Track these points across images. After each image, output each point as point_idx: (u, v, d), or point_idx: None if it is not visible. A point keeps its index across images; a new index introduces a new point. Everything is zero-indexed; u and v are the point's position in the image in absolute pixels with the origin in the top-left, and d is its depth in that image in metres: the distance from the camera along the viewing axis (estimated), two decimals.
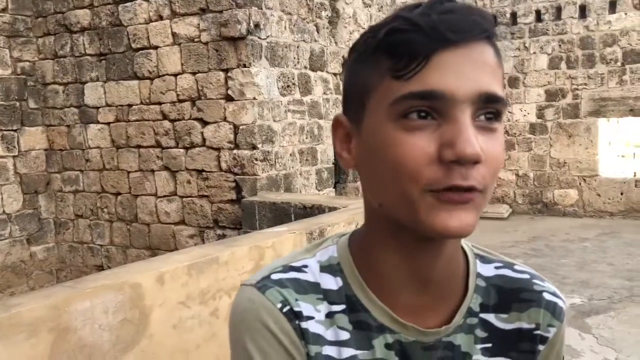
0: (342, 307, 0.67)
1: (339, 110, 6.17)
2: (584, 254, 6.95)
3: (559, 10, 9.14)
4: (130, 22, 5.90)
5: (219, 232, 5.63)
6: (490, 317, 0.70)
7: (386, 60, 0.59)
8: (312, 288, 0.68)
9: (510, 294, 0.71)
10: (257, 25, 5.33)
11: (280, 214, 4.83)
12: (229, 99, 5.42)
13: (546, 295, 0.72)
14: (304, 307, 0.66)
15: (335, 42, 6.49)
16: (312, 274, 0.69)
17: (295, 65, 5.84)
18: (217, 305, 2.97)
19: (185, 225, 5.86)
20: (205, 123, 5.61)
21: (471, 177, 0.57)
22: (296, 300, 0.66)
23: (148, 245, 6.13)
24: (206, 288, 2.93)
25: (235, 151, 5.45)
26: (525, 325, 0.71)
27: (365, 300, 0.67)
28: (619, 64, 8.79)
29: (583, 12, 8.98)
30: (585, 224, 8.72)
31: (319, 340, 0.66)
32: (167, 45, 5.71)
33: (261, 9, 5.37)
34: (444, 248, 0.65)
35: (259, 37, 5.38)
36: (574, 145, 9.20)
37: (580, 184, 9.24)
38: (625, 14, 8.68)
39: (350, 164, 0.66)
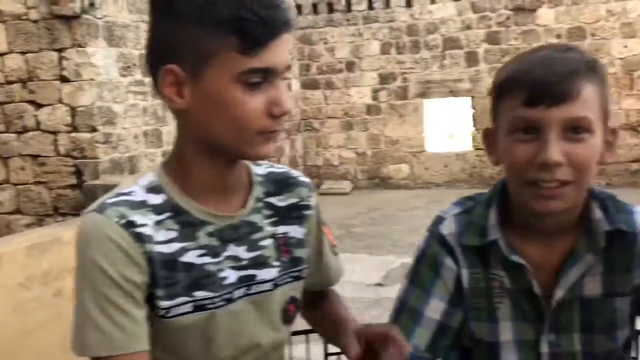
0: (168, 214, 0.88)
1: None
2: (414, 220, 7.73)
3: None
4: None
5: (59, 219, 5.41)
6: (273, 200, 0.99)
7: (234, 39, 0.80)
8: (141, 205, 0.87)
9: (282, 182, 1.02)
10: (92, 4, 5.17)
11: None
12: (64, 80, 5.22)
13: (301, 178, 1.04)
14: (137, 218, 0.85)
15: None
16: (140, 195, 0.88)
17: (135, 46, 5.75)
18: (61, 286, 2.96)
19: (22, 215, 5.55)
20: (39, 105, 5.34)
21: (283, 122, 0.88)
22: (130, 214, 0.85)
23: None
24: (49, 269, 2.90)
25: (73, 134, 5.27)
26: (294, 200, 1.01)
27: (186, 205, 0.89)
28: (439, 49, 9.78)
29: (409, 1, 9.83)
30: (416, 194, 9.65)
31: (152, 240, 0.85)
32: None
33: None
34: (238, 162, 0.93)
35: (95, 17, 5.22)
36: (404, 124, 10.10)
37: (410, 159, 10.18)
38: (444, 4, 9.67)
39: (181, 107, 0.85)
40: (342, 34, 10.14)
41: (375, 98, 10.16)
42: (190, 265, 0.88)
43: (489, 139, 1.03)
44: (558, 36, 9.13)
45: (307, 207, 1.03)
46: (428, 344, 1.06)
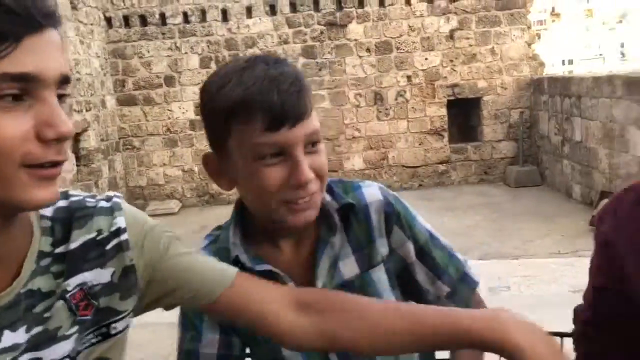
0: None
1: None
2: None
3: (204, 13, 9.74)
4: None
5: None
6: (62, 249, 0.74)
7: None
8: None
9: (68, 220, 0.76)
10: None
11: None
12: None
13: (101, 204, 0.78)
14: None
15: None
16: None
17: None
18: None
19: None
20: None
21: (63, 151, 0.64)
22: None
23: None
24: None
25: None
26: (89, 236, 0.75)
27: None
28: None
29: (225, 15, 9.78)
30: None
31: None
32: None
33: None
34: (15, 218, 0.68)
35: None
36: None
37: None
38: (260, 19, 9.79)
39: None
40: (159, 47, 9.75)
41: (198, 113, 9.88)
42: None
43: (212, 166, 0.96)
44: (368, 50, 9.75)
45: (111, 237, 0.76)
46: None
